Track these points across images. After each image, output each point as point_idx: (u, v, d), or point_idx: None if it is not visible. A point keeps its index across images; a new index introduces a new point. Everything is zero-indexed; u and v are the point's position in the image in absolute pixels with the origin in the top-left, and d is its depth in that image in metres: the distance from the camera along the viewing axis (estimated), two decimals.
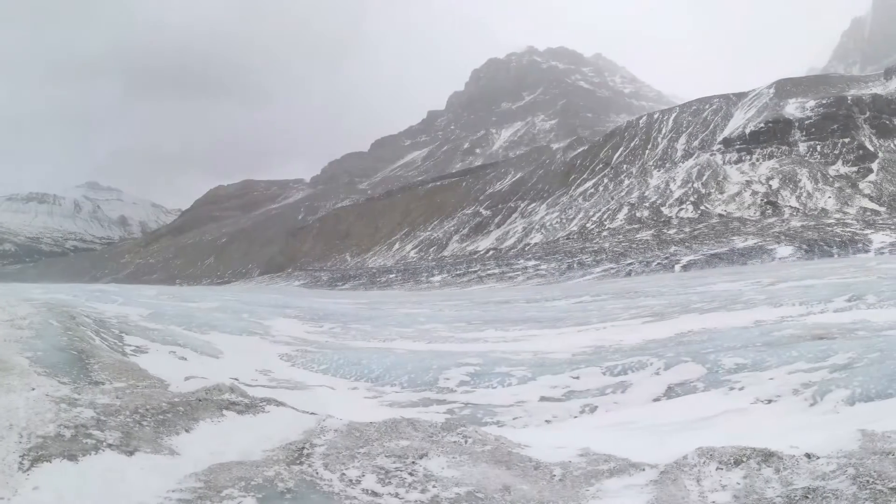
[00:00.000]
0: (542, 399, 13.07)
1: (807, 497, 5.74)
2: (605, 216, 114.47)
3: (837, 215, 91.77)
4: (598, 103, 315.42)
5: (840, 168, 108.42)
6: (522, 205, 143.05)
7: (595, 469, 7.23)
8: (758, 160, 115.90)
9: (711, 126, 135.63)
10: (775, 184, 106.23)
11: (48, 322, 14.04)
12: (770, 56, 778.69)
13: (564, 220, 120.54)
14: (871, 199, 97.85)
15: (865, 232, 76.10)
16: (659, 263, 73.04)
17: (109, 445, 6.58)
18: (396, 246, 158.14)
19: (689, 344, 16.50)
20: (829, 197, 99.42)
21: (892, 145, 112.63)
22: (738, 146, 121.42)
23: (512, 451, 7.82)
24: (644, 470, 7.06)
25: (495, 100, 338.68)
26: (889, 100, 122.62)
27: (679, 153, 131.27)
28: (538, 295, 44.50)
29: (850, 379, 10.87)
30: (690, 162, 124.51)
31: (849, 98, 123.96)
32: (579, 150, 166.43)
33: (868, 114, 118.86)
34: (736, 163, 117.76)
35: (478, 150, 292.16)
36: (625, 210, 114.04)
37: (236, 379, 12.53)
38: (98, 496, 5.69)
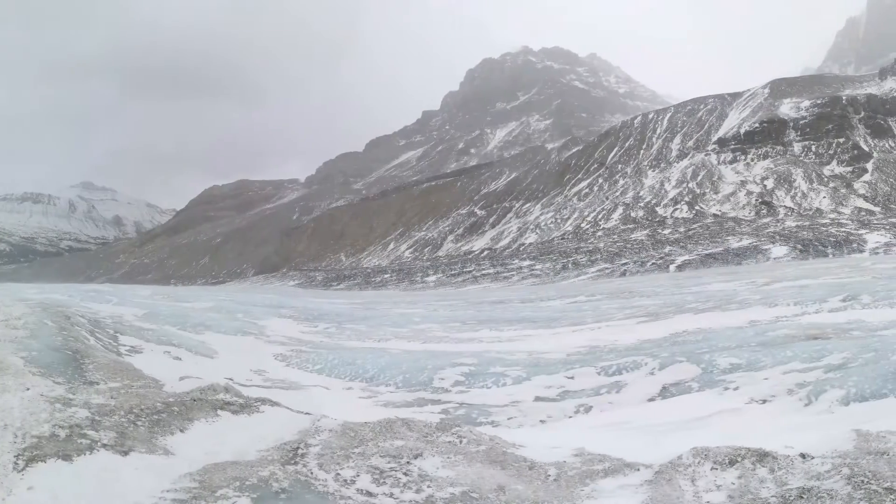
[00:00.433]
0: (537, 399, 13.06)
1: (801, 497, 5.74)
2: (599, 216, 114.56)
3: (832, 215, 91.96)
4: (593, 103, 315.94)
5: (835, 168, 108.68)
6: (517, 205, 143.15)
7: (590, 469, 7.23)
8: (752, 160, 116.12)
9: (706, 126, 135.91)
10: (770, 184, 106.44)
11: (43, 322, 13.98)
12: (765, 56, 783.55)
13: (559, 220, 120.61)
14: (865, 199, 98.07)
15: (860, 232, 76.22)
16: (654, 263, 73.06)
17: (104, 445, 6.56)
18: (391, 246, 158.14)
19: (683, 344, 16.50)
20: (824, 197, 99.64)
21: (886, 145, 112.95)
22: (732, 146, 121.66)
23: (507, 451, 7.82)
24: (639, 470, 7.06)
25: (490, 100, 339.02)
26: (884, 100, 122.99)
27: (674, 153, 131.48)
28: (533, 295, 44.50)
29: (845, 379, 10.88)
30: (685, 162, 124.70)
31: (843, 98, 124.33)
32: (574, 150, 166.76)
33: (863, 114, 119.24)
34: (731, 163, 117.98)
35: (472, 150, 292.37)
36: (619, 210, 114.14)
37: (231, 379, 12.51)
38: (93, 496, 5.67)
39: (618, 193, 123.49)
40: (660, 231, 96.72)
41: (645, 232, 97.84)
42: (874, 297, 21.43)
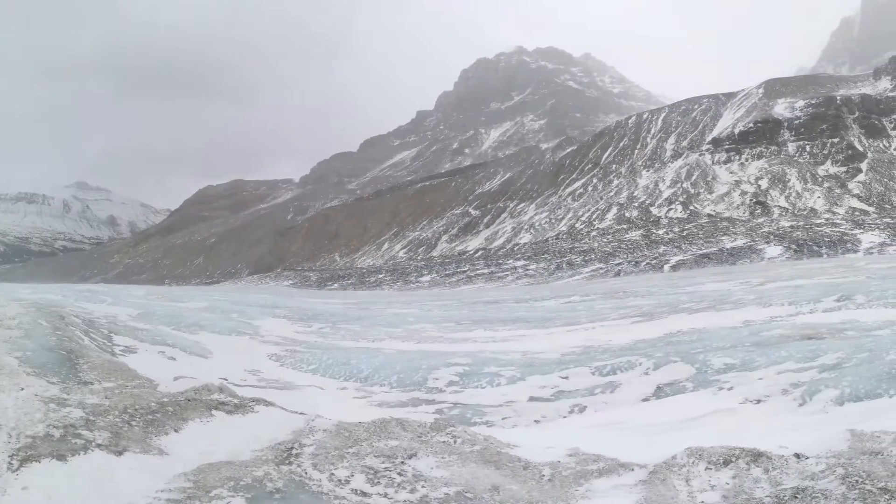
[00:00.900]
0: (531, 399, 13.06)
1: (796, 497, 5.75)
2: (594, 216, 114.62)
3: (826, 215, 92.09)
4: (587, 103, 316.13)
5: (829, 168, 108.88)
6: (511, 205, 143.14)
7: (584, 469, 7.24)
8: (747, 160, 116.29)
9: (700, 126, 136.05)
10: (764, 184, 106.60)
11: (37, 322, 13.96)
12: (759, 56, 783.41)
13: (553, 220, 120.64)
14: (860, 199, 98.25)
15: (854, 232, 76.36)
16: (648, 263, 73.13)
17: (98, 445, 6.56)
18: (385, 246, 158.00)
19: (678, 344, 16.52)
20: (819, 197, 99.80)
21: (881, 145, 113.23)
22: (727, 146, 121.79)
23: (501, 451, 7.83)
24: (633, 470, 7.07)
25: (484, 100, 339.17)
26: (878, 100, 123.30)
27: (668, 153, 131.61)
28: (527, 295, 44.49)
29: (840, 379, 10.90)
30: (679, 162, 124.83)
31: (838, 98, 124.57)
32: (568, 150, 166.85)
33: (857, 114, 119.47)
34: (725, 163, 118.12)
35: (467, 150, 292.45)
36: (614, 210, 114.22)
37: (225, 379, 12.49)
38: (87, 496, 5.67)
39: (612, 193, 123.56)
40: (654, 231, 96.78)
41: (639, 232, 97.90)
42: (868, 297, 21.47)
